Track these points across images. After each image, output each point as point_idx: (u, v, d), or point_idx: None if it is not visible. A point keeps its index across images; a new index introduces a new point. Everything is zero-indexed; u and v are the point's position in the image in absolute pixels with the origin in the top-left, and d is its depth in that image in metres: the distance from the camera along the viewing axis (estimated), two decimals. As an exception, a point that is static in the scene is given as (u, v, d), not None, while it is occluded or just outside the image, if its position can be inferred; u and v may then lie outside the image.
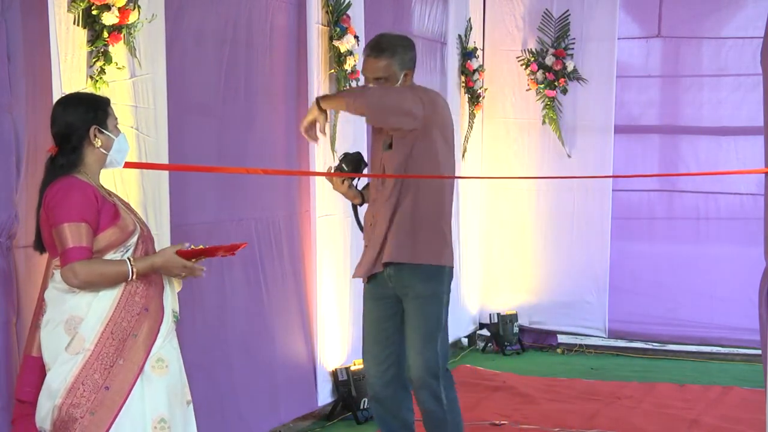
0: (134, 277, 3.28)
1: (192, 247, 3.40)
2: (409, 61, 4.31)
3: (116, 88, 4.00)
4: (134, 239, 3.37)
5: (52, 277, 3.35)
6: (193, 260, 3.40)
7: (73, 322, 3.27)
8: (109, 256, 3.31)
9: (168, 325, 3.40)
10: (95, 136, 3.35)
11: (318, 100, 4.25)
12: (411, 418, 4.49)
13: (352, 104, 4.23)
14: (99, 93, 3.82)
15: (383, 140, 4.36)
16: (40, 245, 3.40)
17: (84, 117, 3.34)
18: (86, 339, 3.26)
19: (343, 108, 4.38)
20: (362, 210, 4.60)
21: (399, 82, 4.29)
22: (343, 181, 4.43)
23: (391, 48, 4.29)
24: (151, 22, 4.16)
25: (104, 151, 3.38)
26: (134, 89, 4.17)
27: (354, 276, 4.53)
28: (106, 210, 3.32)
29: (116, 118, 3.45)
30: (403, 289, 4.37)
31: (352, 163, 4.42)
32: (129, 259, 3.30)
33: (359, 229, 4.59)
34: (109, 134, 3.38)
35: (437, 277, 4.36)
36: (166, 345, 3.38)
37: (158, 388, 3.34)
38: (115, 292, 3.30)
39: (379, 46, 4.30)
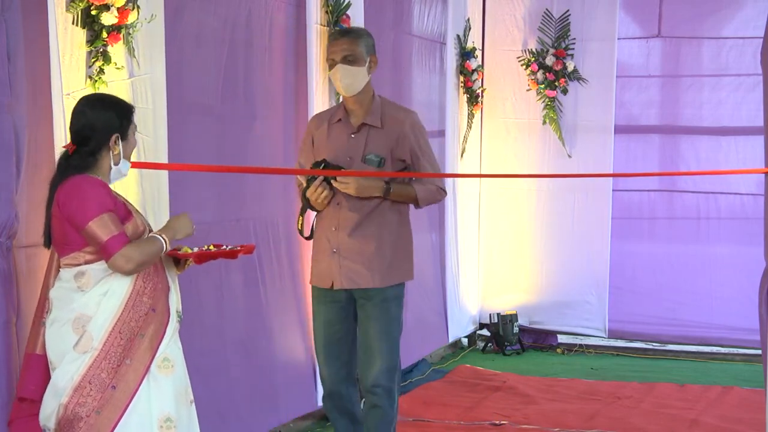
0: (168, 247, 3.36)
1: (191, 250, 3.47)
2: (372, 47, 4.45)
3: (115, 88, 4.00)
4: (144, 237, 3.41)
5: (58, 276, 3.36)
6: (190, 261, 3.49)
7: (82, 321, 3.28)
8: None
9: (173, 325, 3.42)
10: (115, 143, 3.37)
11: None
12: (358, 410, 4.61)
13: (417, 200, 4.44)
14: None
15: (368, 152, 4.38)
16: (49, 240, 3.40)
17: (110, 123, 3.35)
18: (94, 338, 3.27)
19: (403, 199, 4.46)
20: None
21: (366, 64, 4.38)
22: (326, 190, 4.33)
23: (356, 31, 4.50)
24: (150, 22, 4.16)
25: (122, 157, 3.39)
26: (133, 89, 4.17)
27: (329, 287, 4.43)
28: (119, 207, 3.35)
29: (136, 126, 3.47)
30: (365, 293, 4.41)
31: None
32: (154, 233, 3.37)
33: (302, 234, 4.52)
34: (129, 143, 3.42)
35: (402, 285, 4.53)
36: (172, 345, 3.40)
37: (164, 387, 3.36)
38: (123, 292, 3.32)
39: (348, 29, 4.61)
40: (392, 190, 4.36)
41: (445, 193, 4.58)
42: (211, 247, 3.57)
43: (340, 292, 4.43)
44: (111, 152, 3.36)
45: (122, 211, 3.36)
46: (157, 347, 3.35)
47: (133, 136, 3.45)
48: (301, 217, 4.50)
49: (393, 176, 4.40)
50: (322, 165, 4.30)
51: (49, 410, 3.30)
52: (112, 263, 3.27)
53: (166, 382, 3.36)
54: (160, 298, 3.39)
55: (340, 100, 5.81)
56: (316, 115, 4.75)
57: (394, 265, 4.43)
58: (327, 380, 4.52)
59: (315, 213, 4.50)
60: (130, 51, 4.08)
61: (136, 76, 4.16)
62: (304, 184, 4.36)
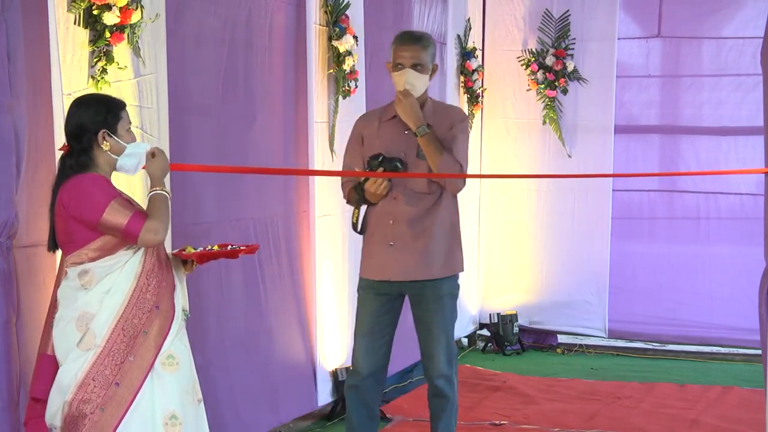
0: (170, 194, 3.41)
1: (194, 250, 3.48)
2: (434, 55, 4.61)
3: (118, 88, 4.00)
4: None
5: (66, 275, 3.37)
6: (192, 262, 3.49)
7: (85, 319, 3.29)
8: (119, 252, 3.33)
9: (178, 322, 3.42)
10: (104, 139, 3.36)
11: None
12: (377, 407, 4.74)
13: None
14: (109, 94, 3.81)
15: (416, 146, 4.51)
16: (54, 244, 3.41)
17: (94, 119, 3.35)
18: (97, 335, 3.28)
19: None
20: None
21: (429, 71, 4.54)
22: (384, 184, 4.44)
23: (426, 39, 4.60)
24: (153, 22, 4.16)
25: (113, 156, 3.38)
26: (138, 89, 4.17)
27: (385, 280, 4.56)
28: (123, 200, 3.34)
29: (130, 122, 3.45)
30: (420, 286, 4.54)
31: (391, 167, 4.44)
32: (155, 190, 3.37)
33: (357, 228, 4.61)
34: (118, 140, 3.38)
35: (456, 277, 4.68)
36: (177, 342, 3.40)
37: (168, 385, 3.36)
38: (126, 289, 3.32)
39: (418, 35, 4.62)
40: (430, 134, 4.45)
41: (464, 183, 4.64)
42: (215, 247, 3.58)
43: (394, 284, 4.56)
44: (102, 149, 3.36)
45: (126, 204, 3.36)
46: (161, 344, 3.35)
47: (126, 132, 3.41)
48: (357, 211, 4.59)
49: (392, 176, 4.43)
50: (380, 158, 4.42)
51: (55, 408, 3.31)
52: (142, 241, 3.28)
53: (170, 380, 3.36)
54: (164, 295, 3.39)
55: (339, 99, 5.83)
56: (364, 115, 4.87)
57: (448, 257, 4.59)
58: (361, 371, 4.58)
59: (364, 208, 4.58)
60: (136, 51, 4.08)
61: (141, 76, 4.17)
62: (361, 179, 4.46)
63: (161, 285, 3.39)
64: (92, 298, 3.30)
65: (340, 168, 5.90)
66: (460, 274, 4.70)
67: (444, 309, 4.58)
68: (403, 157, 4.49)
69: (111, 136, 3.36)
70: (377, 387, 4.66)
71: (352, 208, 4.64)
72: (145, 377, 3.31)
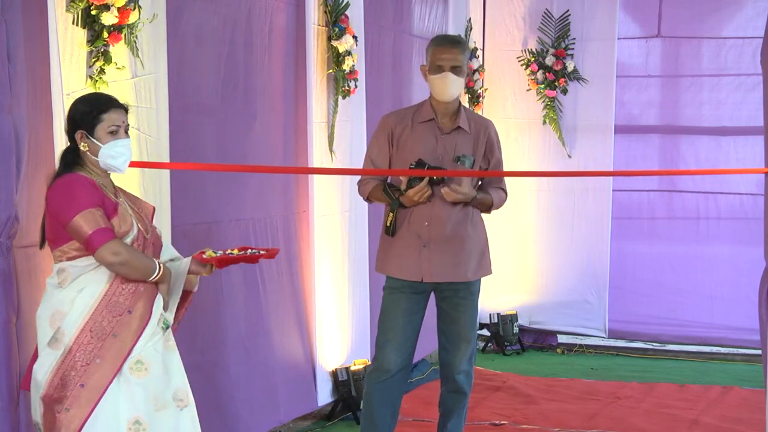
0: (159, 274, 3.36)
1: (215, 253, 3.51)
2: (469, 59, 4.80)
3: (117, 88, 4.00)
4: (127, 241, 3.36)
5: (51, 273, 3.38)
6: (212, 265, 3.51)
7: (58, 317, 3.29)
8: None
9: (153, 328, 3.39)
10: (81, 140, 3.36)
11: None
12: (399, 408, 4.78)
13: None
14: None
15: (458, 153, 4.57)
16: (43, 241, 3.42)
17: (74, 119, 3.36)
18: (66, 334, 3.28)
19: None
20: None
21: (465, 75, 4.62)
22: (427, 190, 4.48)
23: (464, 42, 4.71)
24: (151, 22, 4.16)
25: (92, 156, 3.37)
26: (136, 89, 4.17)
27: (418, 281, 4.60)
28: (106, 206, 3.33)
29: (113, 123, 3.38)
30: (452, 286, 4.64)
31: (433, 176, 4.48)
32: (157, 261, 3.39)
33: (389, 230, 4.60)
34: (95, 141, 3.35)
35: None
36: (149, 348, 3.37)
37: (135, 389, 3.33)
38: (98, 290, 3.31)
39: (457, 39, 4.72)
40: (478, 198, 4.61)
41: (507, 196, 4.81)
42: (235, 251, 3.57)
43: (427, 285, 4.62)
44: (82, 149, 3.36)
45: (107, 210, 3.34)
46: (131, 349, 3.32)
47: (106, 134, 3.35)
48: (392, 214, 4.59)
49: (413, 175, 4.48)
50: (426, 166, 4.45)
51: (35, 404, 3.32)
52: (98, 255, 3.27)
53: (137, 385, 3.33)
54: (139, 300, 3.37)
55: (339, 99, 5.83)
56: (394, 112, 4.83)
57: (481, 260, 4.70)
58: (391, 369, 4.62)
59: (391, 209, 4.59)
60: (134, 51, 4.08)
61: (139, 77, 4.16)
62: (404, 184, 4.49)
63: (137, 289, 3.37)
64: (65, 297, 3.30)
65: (339, 168, 5.90)
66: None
67: (474, 306, 4.73)
68: (440, 162, 4.53)
69: (88, 137, 3.35)
70: (403, 385, 4.73)
71: (387, 210, 4.62)
72: (111, 381, 3.28)
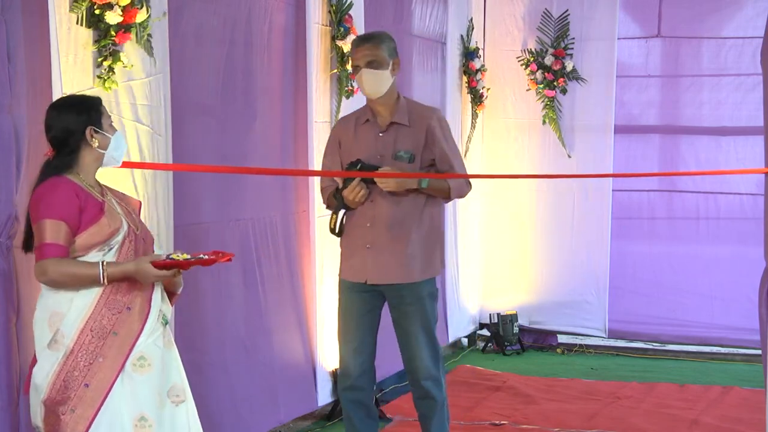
0: (105, 281, 3.28)
1: (173, 257, 3.36)
2: (394, 50, 4.58)
3: (126, 87, 4.00)
4: (118, 238, 3.36)
5: None
6: (173, 270, 3.36)
7: (56, 319, 3.28)
8: (91, 254, 3.30)
9: (152, 324, 3.39)
10: (92, 136, 3.35)
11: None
12: (373, 405, 4.76)
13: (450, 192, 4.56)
14: (98, 93, 3.81)
15: (397, 149, 4.51)
16: (29, 245, 3.38)
17: (78, 119, 3.34)
18: (66, 335, 3.27)
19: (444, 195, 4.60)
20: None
21: (390, 67, 4.52)
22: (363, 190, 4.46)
23: (377, 36, 4.59)
24: (159, 21, 4.16)
25: (101, 151, 3.38)
26: (150, 88, 4.18)
27: (362, 282, 4.56)
28: (90, 208, 3.31)
29: (110, 117, 3.44)
30: (397, 289, 4.53)
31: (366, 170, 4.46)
32: (102, 262, 3.29)
33: (333, 231, 4.62)
34: (105, 133, 3.37)
35: (434, 280, 4.67)
36: (150, 344, 3.37)
37: (139, 386, 3.33)
38: (96, 290, 3.30)
39: (368, 35, 4.67)
40: (430, 185, 4.49)
41: (471, 186, 4.69)
42: (184, 256, 3.40)
43: (371, 287, 4.56)
44: (91, 147, 3.35)
45: (93, 211, 3.32)
46: (133, 346, 3.32)
47: (110, 127, 3.40)
48: (335, 216, 4.60)
49: (405, 177, 4.44)
50: (359, 165, 4.42)
51: (35, 408, 3.31)
52: (35, 267, 3.28)
53: (141, 381, 3.33)
54: (138, 296, 3.36)
55: (342, 99, 5.84)
56: (342, 118, 4.87)
57: (425, 261, 4.58)
58: (352, 373, 4.59)
59: (344, 211, 4.59)
60: (148, 50, 4.09)
61: (152, 76, 4.17)
62: (340, 184, 4.48)
63: (134, 286, 3.36)
64: (62, 298, 3.29)
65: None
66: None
67: (424, 310, 4.56)
68: (380, 159, 4.49)
69: (98, 132, 3.36)
70: (370, 385, 4.66)
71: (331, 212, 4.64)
72: (115, 378, 3.28)
